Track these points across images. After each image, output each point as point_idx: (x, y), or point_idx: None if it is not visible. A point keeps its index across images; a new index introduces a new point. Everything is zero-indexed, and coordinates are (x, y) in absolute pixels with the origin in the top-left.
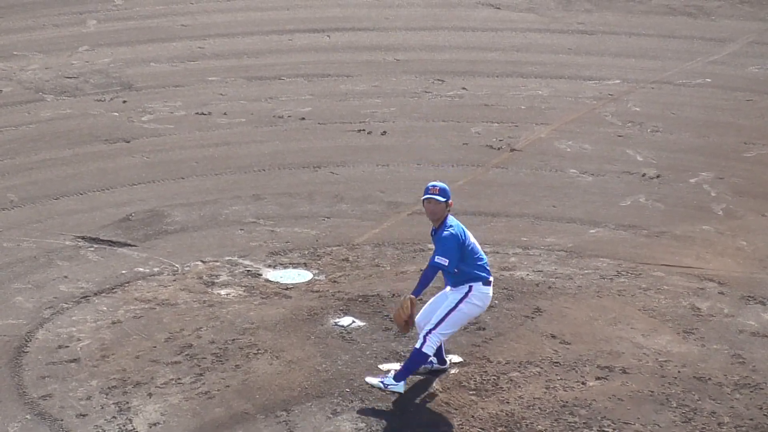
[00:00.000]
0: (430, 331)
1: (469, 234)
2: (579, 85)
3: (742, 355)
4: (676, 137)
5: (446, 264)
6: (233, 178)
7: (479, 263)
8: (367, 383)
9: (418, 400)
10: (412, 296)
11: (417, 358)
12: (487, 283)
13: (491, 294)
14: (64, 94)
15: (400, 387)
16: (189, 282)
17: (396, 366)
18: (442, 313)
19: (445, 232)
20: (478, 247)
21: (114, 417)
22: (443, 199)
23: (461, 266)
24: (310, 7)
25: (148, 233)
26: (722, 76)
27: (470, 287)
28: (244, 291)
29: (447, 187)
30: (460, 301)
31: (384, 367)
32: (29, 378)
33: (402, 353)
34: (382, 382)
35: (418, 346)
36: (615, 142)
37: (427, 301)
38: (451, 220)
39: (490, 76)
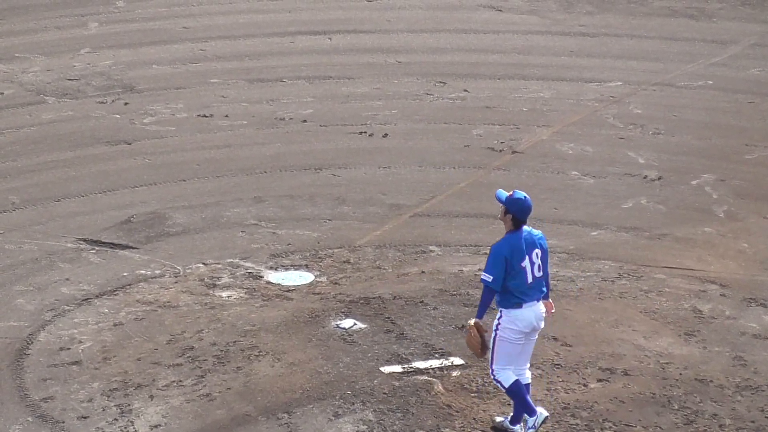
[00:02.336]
0: (492, 371)
1: (532, 255)
2: (580, 87)
3: (744, 357)
4: (678, 139)
5: (489, 280)
6: (235, 181)
7: (517, 287)
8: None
9: (419, 402)
10: (476, 320)
11: (510, 396)
12: (517, 306)
13: (528, 314)
14: (65, 96)
15: (517, 429)
16: (190, 284)
17: (398, 368)
18: (491, 348)
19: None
20: (530, 270)
21: (115, 419)
22: (500, 204)
23: (507, 286)
24: (311, 9)
25: (149, 235)
26: (724, 78)
27: (500, 312)
28: (245, 293)
29: (523, 202)
30: (496, 329)
31: (385, 369)
32: (31, 380)
33: (403, 355)
34: (503, 422)
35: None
36: (616, 144)
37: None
38: (512, 235)
39: (491, 78)
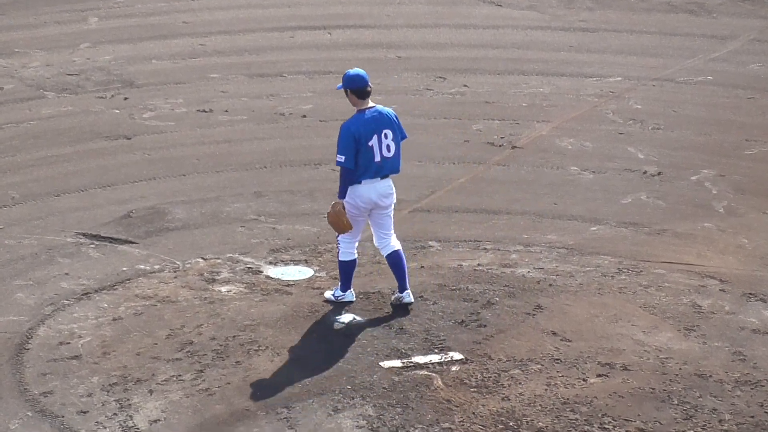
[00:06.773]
0: (338, 239)
1: (381, 134)
2: (580, 82)
3: (743, 352)
4: (678, 135)
5: (342, 160)
6: (234, 176)
7: (362, 165)
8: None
9: (419, 397)
10: (339, 200)
11: (339, 267)
12: (357, 183)
13: (366, 190)
14: (65, 91)
15: (349, 295)
16: (190, 279)
17: (398, 363)
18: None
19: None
20: (378, 148)
21: (115, 414)
22: (340, 87)
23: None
24: (311, 4)
25: (149, 230)
26: (724, 74)
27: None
28: (245, 288)
29: (352, 75)
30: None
31: (385, 364)
32: (30, 375)
33: (403, 350)
34: (333, 295)
35: None
36: (616, 139)
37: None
38: (360, 114)
39: (491, 74)
